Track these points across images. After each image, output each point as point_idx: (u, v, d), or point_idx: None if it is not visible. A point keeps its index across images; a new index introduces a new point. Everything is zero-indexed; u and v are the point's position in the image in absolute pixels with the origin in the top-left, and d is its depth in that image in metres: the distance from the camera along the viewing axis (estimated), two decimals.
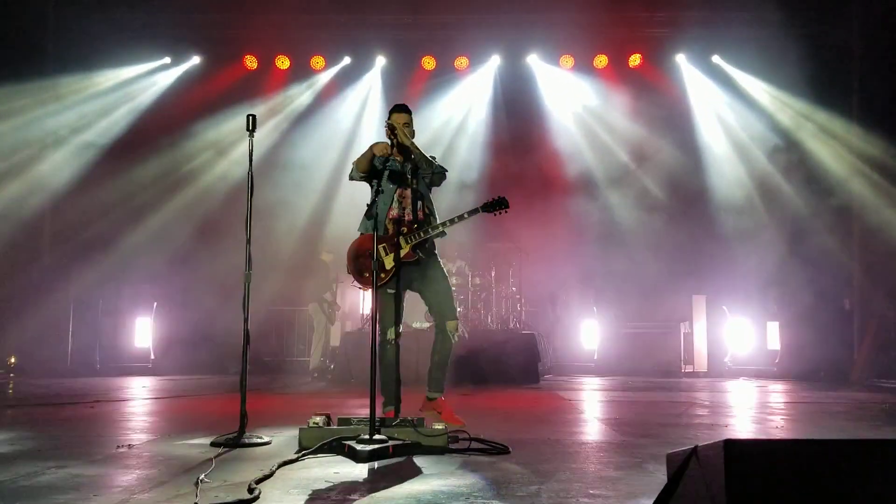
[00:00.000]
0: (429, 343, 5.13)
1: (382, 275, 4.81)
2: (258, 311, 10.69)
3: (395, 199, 4.92)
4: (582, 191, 12.19)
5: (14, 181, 10.78)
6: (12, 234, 10.48)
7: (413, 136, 5.00)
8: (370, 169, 4.87)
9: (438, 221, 4.98)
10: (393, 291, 4.87)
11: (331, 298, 10.52)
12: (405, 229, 4.86)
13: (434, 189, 5.16)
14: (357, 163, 4.94)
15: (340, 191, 11.71)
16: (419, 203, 4.95)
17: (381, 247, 4.82)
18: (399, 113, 4.99)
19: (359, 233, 5.05)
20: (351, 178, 5.12)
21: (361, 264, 4.91)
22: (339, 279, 10.48)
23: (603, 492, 3.00)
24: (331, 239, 10.91)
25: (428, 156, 4.98)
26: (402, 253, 4.82)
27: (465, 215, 4.90)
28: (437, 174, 5.03)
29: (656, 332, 11.12)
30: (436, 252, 5.11)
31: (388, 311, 4.86)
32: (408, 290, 5.07)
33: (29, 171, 11.02)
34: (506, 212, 5.01)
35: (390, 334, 4.87)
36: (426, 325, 9.11)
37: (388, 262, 4.85)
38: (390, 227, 4.89)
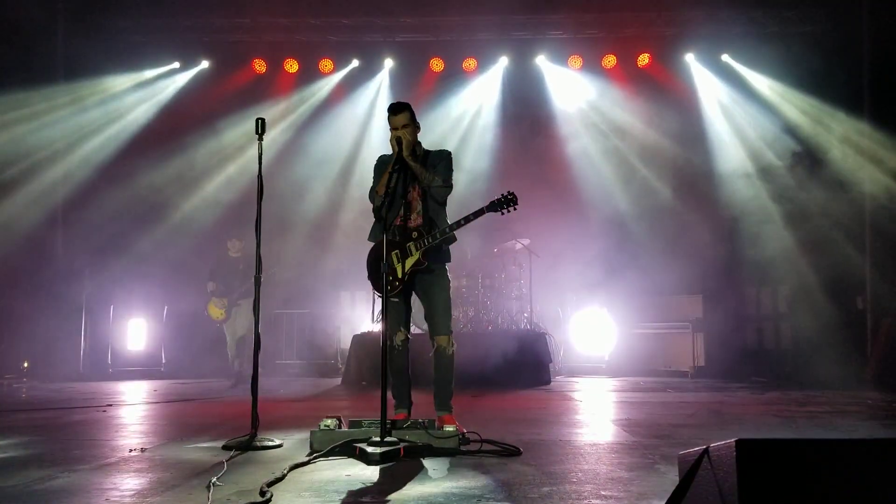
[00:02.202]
0: None
1: (396, 283, 4.81)
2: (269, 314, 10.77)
3: (402, 205, 4.86)
4: (592, 191, 12.15)
5: (27, 185, 10.85)
6: (25, 237, 10.56)
7: (419, 130, 4.91)
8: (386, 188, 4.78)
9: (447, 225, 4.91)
10: (397, 300, 4.85)
11: (212, 288, 9.44)
12: (415, 234, 4.79)
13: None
14: (377, 187, 4.86)
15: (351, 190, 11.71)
16: (421, 208, 4.88)
17: (394, 253, 4.83)
18: (398, 115, 4.79)
19: (370, 242, 5.00)
20: (377, 205, 4.88)
21: (379, 273, 4.89)
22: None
23: (615, 493, 3.00)
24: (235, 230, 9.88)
25: (433, 174, 4.84)
26: (412, 261, 4.78)
27: (472, 216, 4.76)
28: (437, 188, 4.87)
29: (668, 333, 11.08)
30: (446, 260, 5.01)
31: (393, 317, 4.82)
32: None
33: (41, 175, 11.10)
34: (515, 209, 4.80)
35: (397, 340, 4.88)
36: None
37: (400, 271, 4.82)
38: (397, 233, 4.86)
